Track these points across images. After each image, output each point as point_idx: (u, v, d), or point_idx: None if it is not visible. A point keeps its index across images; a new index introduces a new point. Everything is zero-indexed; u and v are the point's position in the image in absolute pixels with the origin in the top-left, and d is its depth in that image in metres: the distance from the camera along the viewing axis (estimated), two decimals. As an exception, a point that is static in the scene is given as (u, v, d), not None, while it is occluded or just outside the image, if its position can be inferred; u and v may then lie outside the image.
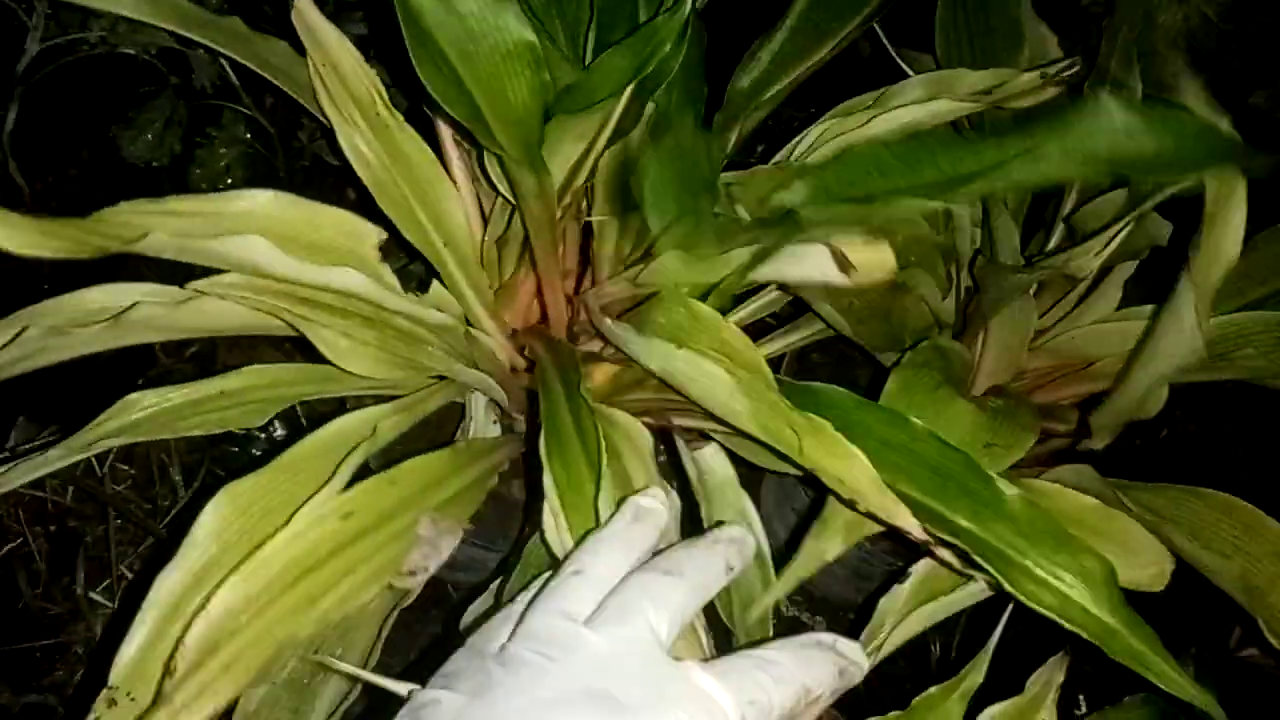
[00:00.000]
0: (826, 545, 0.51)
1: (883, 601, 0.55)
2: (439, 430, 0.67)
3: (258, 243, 0.45)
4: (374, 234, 0.51)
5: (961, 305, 0.71)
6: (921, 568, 0.55)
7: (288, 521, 0.45)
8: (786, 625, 0.85)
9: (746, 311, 0.67)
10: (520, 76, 0.47)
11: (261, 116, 0.81)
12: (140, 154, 0.87)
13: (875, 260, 0.53)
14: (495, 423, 0.65)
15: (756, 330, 0.68)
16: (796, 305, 0.65)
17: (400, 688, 0.37)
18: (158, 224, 0.43)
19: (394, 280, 0.51)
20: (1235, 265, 0.65)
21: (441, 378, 0.58)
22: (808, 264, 0.52)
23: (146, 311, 0.48)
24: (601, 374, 0.63)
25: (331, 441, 0.50)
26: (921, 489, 0.45)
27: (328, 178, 0.83)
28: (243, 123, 0.80)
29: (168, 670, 0.42)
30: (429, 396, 0.56)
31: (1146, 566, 0.54)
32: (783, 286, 0.62)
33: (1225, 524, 0.56)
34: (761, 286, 0.66)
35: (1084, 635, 0.43)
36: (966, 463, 0.45)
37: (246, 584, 0.44)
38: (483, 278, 0.61)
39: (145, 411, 0.50)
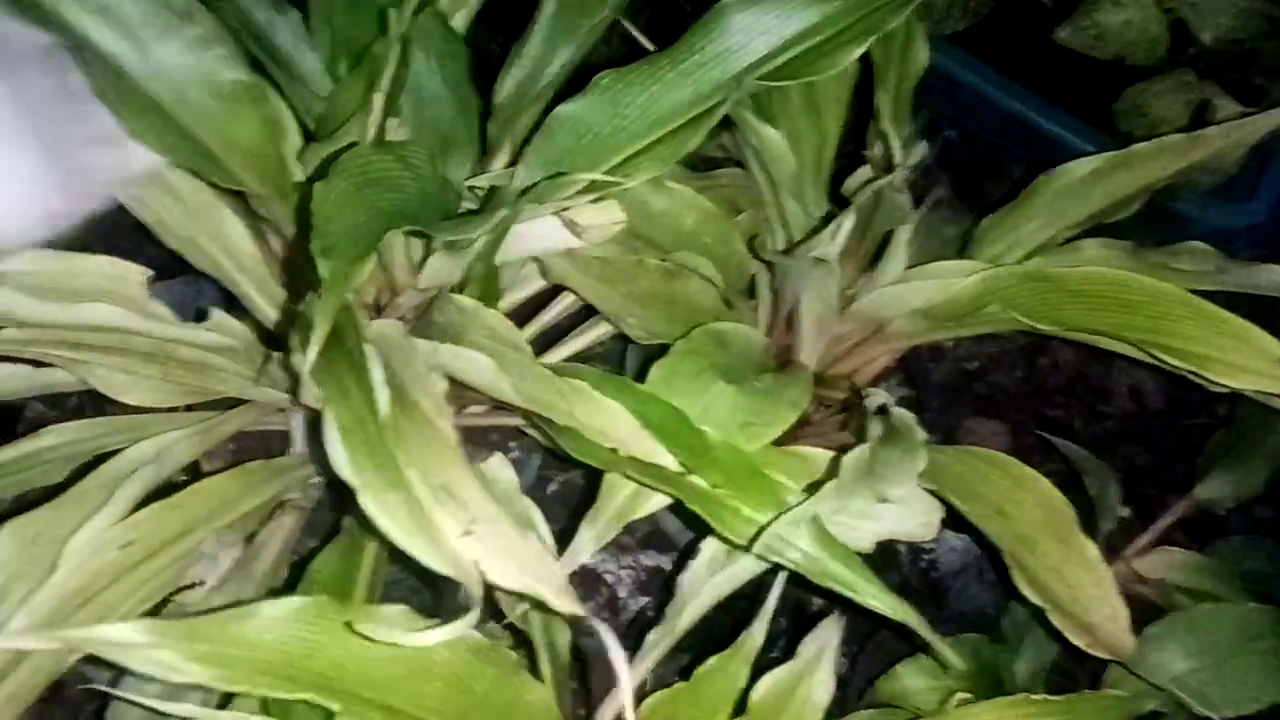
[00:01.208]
0: (600, 532, 0.55)
1: (681, 578, 0.59)
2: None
3: (5, 294, 0.48)
4: (138, 273, 0.55)
5: (775, 282, 0.75)
6: (709, 546, 0.59)
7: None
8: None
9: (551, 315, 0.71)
10: (243, 115, 0.51)
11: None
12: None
13: (604, 219, 0.56)
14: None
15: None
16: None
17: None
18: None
19: (164, 312, 0.55)
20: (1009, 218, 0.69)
21: (243, 401, 0.62)
22: (544, 236, 0.56)
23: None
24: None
25: (117, 471, 0.53)
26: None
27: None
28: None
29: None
30: (226, 420, 0.60)
31: (916, 517, 0.58)
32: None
33: (995, 477, 0.59)
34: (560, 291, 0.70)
35: (791, 567, 0.46)
36: (683, 420, 0.49)
37: (31, 616, 0.47)
38: (282, 297, 0.64)
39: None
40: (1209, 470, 0.80)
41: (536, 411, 0.50)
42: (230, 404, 0.63)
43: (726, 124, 0.62)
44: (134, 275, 0.55)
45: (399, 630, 0.40)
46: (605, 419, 0.48)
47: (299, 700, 0.40)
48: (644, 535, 0.98)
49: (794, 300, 0.74)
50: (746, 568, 0.59)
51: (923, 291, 0.64)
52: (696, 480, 0.48)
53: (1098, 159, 0.67)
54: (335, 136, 0.54)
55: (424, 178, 0.48)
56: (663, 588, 0.90)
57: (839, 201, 0.76)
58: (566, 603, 0.40)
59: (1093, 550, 0.55)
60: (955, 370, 1.03)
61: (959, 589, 0.90)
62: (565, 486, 0.89)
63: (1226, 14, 0.74)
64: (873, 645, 0.76)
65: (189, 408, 0.60)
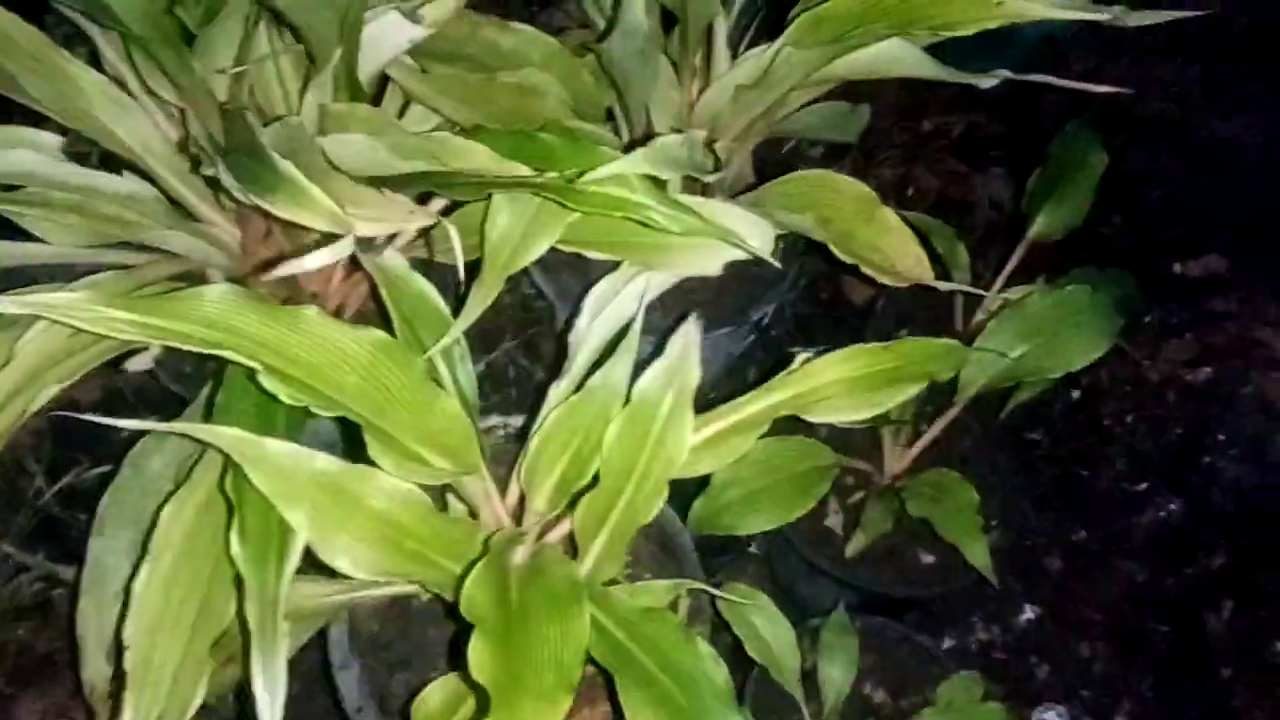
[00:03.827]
0: (485, 293, 0.64)
1: (570, 337, 0.69)
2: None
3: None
4: (55, 140, 0.64)
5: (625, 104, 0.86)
6: (589, 301, 0.69)
7: None
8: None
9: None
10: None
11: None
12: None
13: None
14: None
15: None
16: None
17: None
18: None
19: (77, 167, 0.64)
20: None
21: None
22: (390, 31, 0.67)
23: None
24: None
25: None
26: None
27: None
28: None
29: None
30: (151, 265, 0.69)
31: (755, 238, 0.68)
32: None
33: (812, 190, 0.70)
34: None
35: (639, 218, 0.57)
36: (526, 140, 0.62)
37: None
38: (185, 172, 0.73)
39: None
40: (1036, 210, 0.92)
41: (416, 170, 0.60)
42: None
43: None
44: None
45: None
46: (470, 158, 0.59)
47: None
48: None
49: (645, 119, 0.86)
50: (620, 311, 0.69)
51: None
52: (550, 175, 0.58)
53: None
54: None
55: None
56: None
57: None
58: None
59: (894, 219, 0.66)
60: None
61: None
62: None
63: None
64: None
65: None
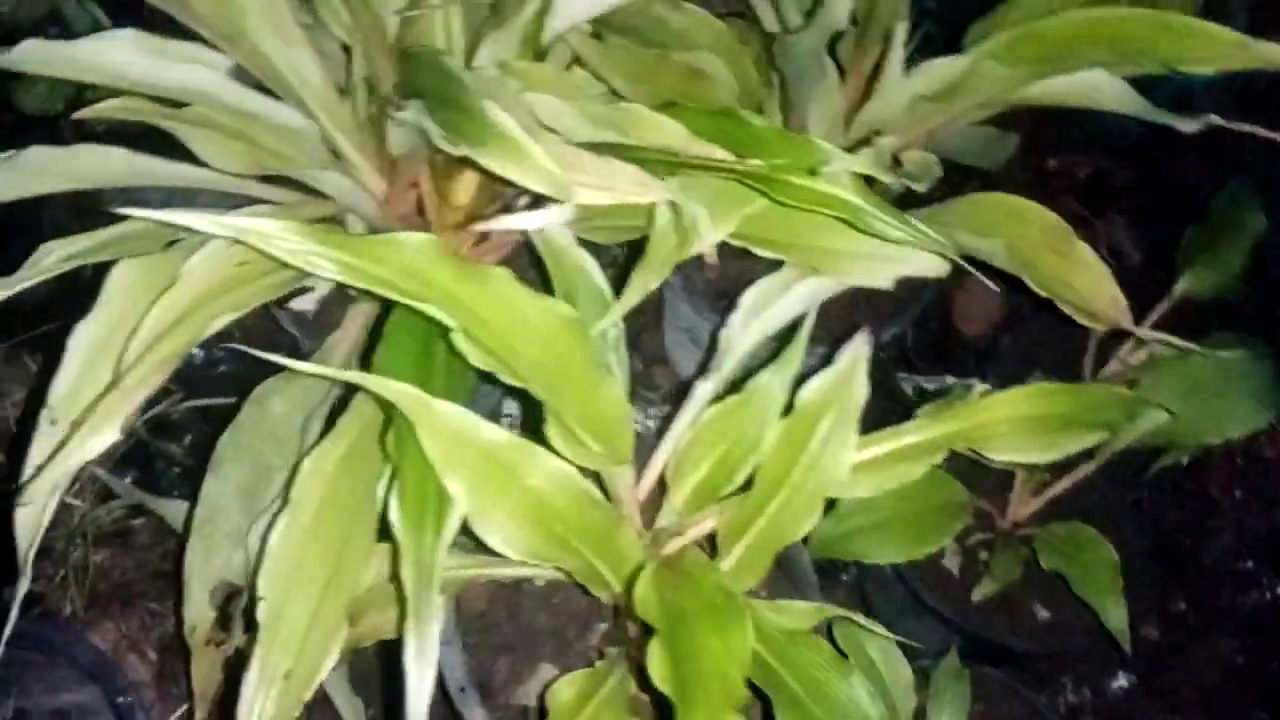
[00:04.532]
0: (650, 277, 0.62)
1: (721, 333, 0.66)
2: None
3: (124, 36, 0.56)
4: (224, 62, 0.61)
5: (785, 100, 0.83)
6: (746, 298, 0.66)
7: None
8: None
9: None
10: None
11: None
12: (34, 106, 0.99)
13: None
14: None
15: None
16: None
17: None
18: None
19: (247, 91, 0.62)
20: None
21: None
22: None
23: (37, 157, 0.59)
24: (464, 188, 0.74)
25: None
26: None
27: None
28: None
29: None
30: (300, 204, 0.67)
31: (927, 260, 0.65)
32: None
33: (997, 214, 0.67)
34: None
35: (832, 214, 0.55)
36: (730, 121, 0.59)
37: (164, 311, 0.54)
38: (343, 114, 0.71)
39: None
40: (1187, 266, 0.88)
41: (602, 141, 0.58)
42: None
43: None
44: (221, 63, 0.62)
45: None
46: (663, 133, 0.56)
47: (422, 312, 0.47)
48: (667, 391, 1.06)
49: (802, 119, 0.83)
50: (780, 314, 0.66)
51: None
52: (755, 163, 0.55)
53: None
54: None
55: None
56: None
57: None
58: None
59: (1089, 253, 0.63)
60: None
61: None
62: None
63: None
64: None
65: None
